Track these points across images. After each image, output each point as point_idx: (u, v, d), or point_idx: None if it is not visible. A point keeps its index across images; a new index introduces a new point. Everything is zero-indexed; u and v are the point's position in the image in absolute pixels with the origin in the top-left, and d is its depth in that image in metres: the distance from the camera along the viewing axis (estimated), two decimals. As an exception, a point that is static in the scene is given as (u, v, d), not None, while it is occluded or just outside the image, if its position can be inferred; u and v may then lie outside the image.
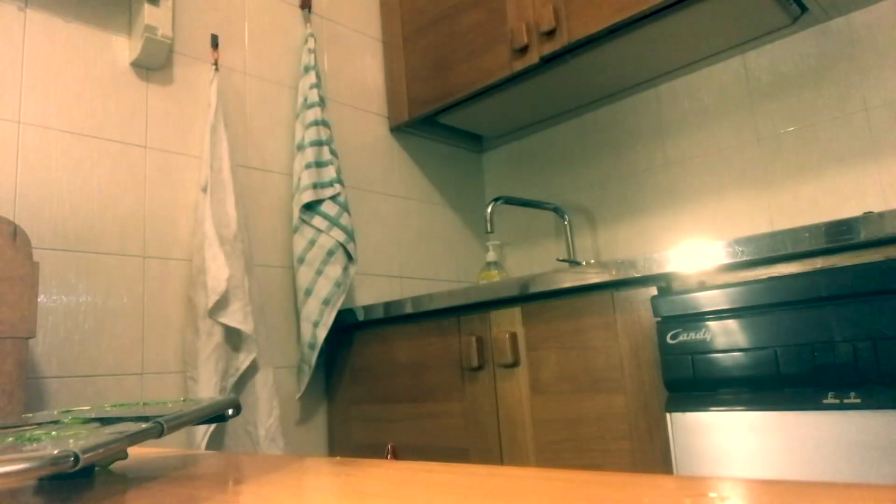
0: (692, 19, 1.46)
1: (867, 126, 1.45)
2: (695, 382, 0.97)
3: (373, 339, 1.54)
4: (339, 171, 1.64)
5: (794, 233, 0.91)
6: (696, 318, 0.98)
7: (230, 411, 0.48)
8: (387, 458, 0.47)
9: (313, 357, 1.54)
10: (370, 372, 1.54)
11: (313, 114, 1.64)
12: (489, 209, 1.68)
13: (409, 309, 1.43)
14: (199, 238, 1.39)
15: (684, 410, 0.97)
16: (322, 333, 1.54)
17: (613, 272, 1.10)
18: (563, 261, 1.85)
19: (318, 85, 1.67)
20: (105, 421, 0.46)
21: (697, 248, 1.01)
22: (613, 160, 1.88)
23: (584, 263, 1.33)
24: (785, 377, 0.89)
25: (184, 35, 1.53)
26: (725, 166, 1.66)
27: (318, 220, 1.58)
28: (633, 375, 1.08)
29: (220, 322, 1.35)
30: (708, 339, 0.96)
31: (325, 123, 1.65)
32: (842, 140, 1.48)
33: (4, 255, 1.02)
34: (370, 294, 1.79)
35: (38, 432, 0.44)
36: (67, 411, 0.56)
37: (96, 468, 0.45)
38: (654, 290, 1.07)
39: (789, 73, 1.57)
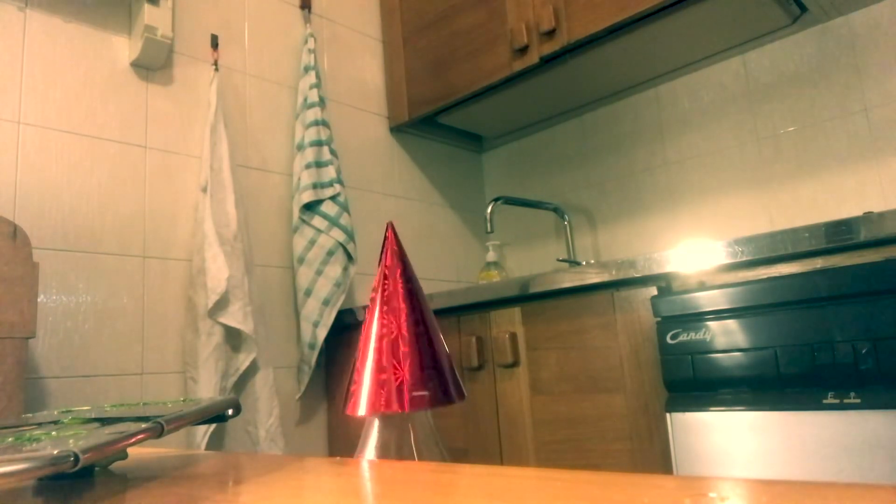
0: (692, 19, 1.46)
1: (867, 126, 1.45)
2: (695, 382, 0.97)
3: (373, 339, 1.54)
4: (338, 171, 1.64)
5: (794, 233, 0.91)
6: (696, 318, 0.98)
7: (230, 411, 0.48)
8: (387, 234, 0.46)
9: (313, 357, 1.54)
10: (370, 372, 1.54)
11: (313, 114, 1.64)
12: (489, 209, 1.68)
13: (409, 309, 1.42)
14: (199, 238, 1.39)
15: (684, 410, 0.97)
16: (322, 333, 1.54)
17: (613, 272, 1.10)
18: (563, 261, 1.85)
19: (317, 85, 1.67)
20: (105, 421, 0.46)
21: (697, 248, 1.01)
22: (613, 160, 1.88)
23: (584, 263, 1.33)
24: (785, 377, 0.89)
25: (184, 35, 1.53)
26: (725, 166, 1.66)
27: (317, 220, 1.58)
28: (632, 375, 1.08)
29: (220, 322, 1.35)
30: (708, 339, 0.96)
31: (324, 123, 1.65)
32: (842, 140, 1.48)
33: (4, 255, 1.02)
34: (370, 294, 1.78)
35: (38, 432, 0.44)
36: (67, 411, 0.56)
37: (96, 468, 0.45)
38: (654, 290, 1.07)
39: (789, 73, 1.57)
